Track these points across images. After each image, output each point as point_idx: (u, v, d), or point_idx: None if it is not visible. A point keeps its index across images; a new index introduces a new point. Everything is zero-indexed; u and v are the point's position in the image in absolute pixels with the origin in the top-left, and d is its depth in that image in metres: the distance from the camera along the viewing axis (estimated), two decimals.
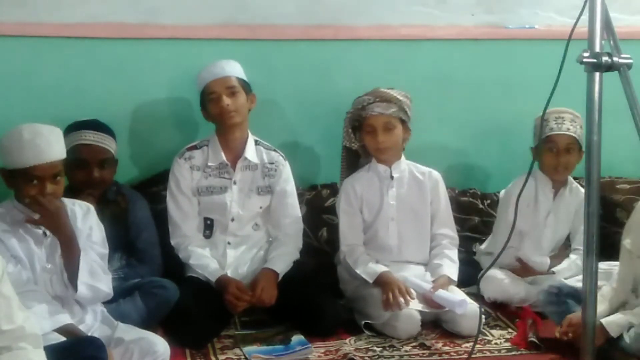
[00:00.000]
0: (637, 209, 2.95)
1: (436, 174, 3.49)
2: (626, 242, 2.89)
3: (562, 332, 2.89)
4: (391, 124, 3.32)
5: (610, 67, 2.11)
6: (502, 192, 3.66)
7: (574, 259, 3.46)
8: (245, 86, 3.33)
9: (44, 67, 3.49)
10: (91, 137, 3.17)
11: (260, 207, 3.39)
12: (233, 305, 3.14)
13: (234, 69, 3.32)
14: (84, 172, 3.13)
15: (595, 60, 2.11)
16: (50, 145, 2.63)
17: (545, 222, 3.53)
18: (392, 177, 3.42)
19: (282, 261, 3.29)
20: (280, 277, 3.24)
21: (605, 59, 2.10)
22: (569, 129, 3.38)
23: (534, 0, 3.94)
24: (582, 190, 3.53)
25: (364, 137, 3.37)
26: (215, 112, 3.28)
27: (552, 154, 3.44)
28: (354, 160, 3.52)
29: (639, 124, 2.10)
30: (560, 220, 3.56)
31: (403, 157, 3.45)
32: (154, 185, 3.54)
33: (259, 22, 3.66)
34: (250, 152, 3.35)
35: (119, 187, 3.32)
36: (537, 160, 3.47)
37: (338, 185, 3.61)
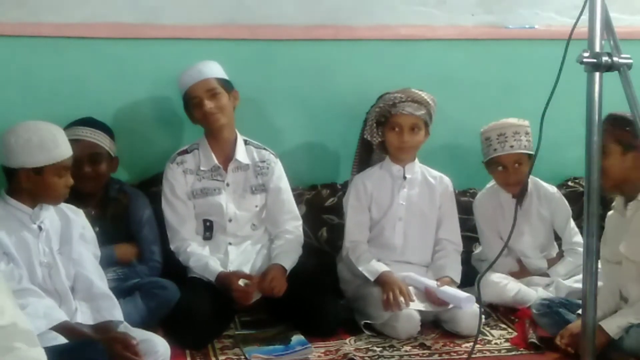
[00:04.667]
0: (607, 219, 2.95)
1: (447, 180, 3.50)
2: (603, 252, 2.89)
3: (565, 343, 2.87)
4: (418, 126, 3.34)
5: (610, 67, 2.11)
6: (475, 200, 3.69)
7: (567, 259, 3.49)
8: (226, 85, 3.32)
9: (44, 67, 3.49)
10: (80, 133, 3.18)
11: (256, 206, 3.39)
12: (243, 296, 3.13)
13: (212, 70, 3.31)
14: (76, 168, 3.08)
15: (595, 60, 2.11)
16: (68, 141, 2.77)
17: (522, 230, 3.53)
18: (404, 178, 3.42)
19: (288, 257, 3.29)
20: (287, 273, 3.24)
21: (605, 59, 2.10)
22: (512, 146, 3.40)
23: (534, 0, 3.94)
24: (552, 189, 3.61)
25: (388, 134, 3.37)
26: (199, 117, 3.29)
27: (501, 173, 3.48)
28: (367, 157, 3.52)
29: (639, 123, 2.10)
30: (535, 225, 3.58)
31: (417, 160, 3.46)
32: (154, 185, 3.53)
33: (259, 22, 3.66)
34: (241, 153, 3.35)
35: (121, 185, 3.33)
36: (490, 174, 3.54)
37: (350, 178, 3.57)
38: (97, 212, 3.17)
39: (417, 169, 3.47)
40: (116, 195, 3.28)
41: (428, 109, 3.35)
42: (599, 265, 2.27)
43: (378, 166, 3.48)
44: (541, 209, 3.58)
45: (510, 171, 3.44)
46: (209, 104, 3.25)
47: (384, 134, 3.40)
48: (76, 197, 3.03)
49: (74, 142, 3.10)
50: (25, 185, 2.68)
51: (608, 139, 2.73)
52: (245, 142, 3.40)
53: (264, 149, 3.43)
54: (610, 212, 2.98)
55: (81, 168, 3.13)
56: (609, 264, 2.92)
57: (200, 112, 3.27)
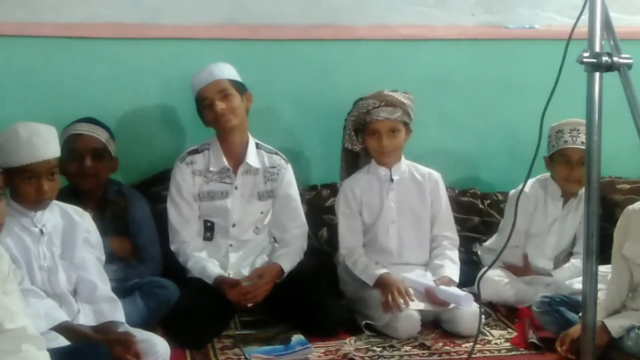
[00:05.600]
0: (629, 214, 2.92)
1: (436, 175, 3.47)
2: (624, 249, 2.88)
3: (565, 350, 2.85)
4: (396, 128, 3.32)
5: (610, 67, 2.11)
6: (512, 192, 3.64)
7: (574, 262, 3.47)
8: (239, 87, 3.29)
9: (44, 67, 3.49)
10: (82, 128, 3.19)
11: (262, 212, 3.38)
12: (243, 301, 3.14)
13: (224, 72, 3.28)
14: (77, 163, 3.13)
15: (595, 60, 2.11)
16: (47, 144, 2.65)
17: (550, 229, 3.52)
18: (392, 180, 3.41)
19: (289, 260, 3.29)
20: (284, 276, 3.25)
21: (605, 59, 2.10)
22: (583, 142, 3.36)
23: (534, 0, 3.94)
24: None
25: (368, 140, 3.35)
26: (211, 118, 3.26)
27: (565, 167, 3.42)
28: (353, 161, 3.51)
29: (639, 124, 2.10)
30: (565, 229, 3.54)
31: (403, 159, 3.45)
32: (154, 185, 3.54)
33: (259, 22, 3.66)
34: (252, 156, 3.33)
35: (119, 187, 3.32)
36: (550, 171, 3.50)
37: (338, 185, 3.59)
38: (95, 213, 3.15)
39: (404, 168, 3.44)
40: (115, 197, 3.26)
41: (404, 108, 3.31)
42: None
43: (365, 170, 3.46)
44: (577, 216, 3.53)
45: (575, 167, 3.38)
46: (220, 105, 3.21)
47: (363, 141, 3.38)
48: (75, 197, 3.05)
49: (76, 136, 3.15)
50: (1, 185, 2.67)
51: None
52: (257, 146, 3.37)
53: (276, 153, 3.41)
54: (634, 206, 2.93)
55: (82, 163, 3.13)
56: (628, 261, 2.89)
57: (211, 113, 3.24)
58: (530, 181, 3.53)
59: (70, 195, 3.09)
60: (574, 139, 3.37)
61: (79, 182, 3.17)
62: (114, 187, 3.29)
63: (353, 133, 3.40)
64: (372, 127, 3.31)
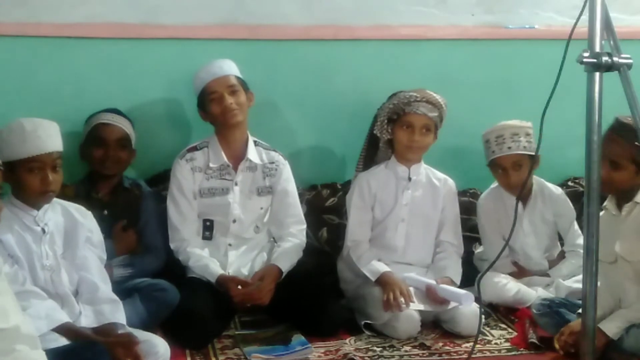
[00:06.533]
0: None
1: (451, 182, 3.50)
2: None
3: (564, 340, 2.86)
4: (429, 127, 3.34)
5: (610, 67, 2.11)
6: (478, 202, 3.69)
7: (569, 259, 3.49)
8: (244, 85, 3.33)
9: (44, 67, 3.49)
10: (110, 118, 3.36)
11: (261, 208, 3.39)
12: (244, 301, 3.14)
13: (232, 68, 3.34)
14: (102, 151, 3.30)
15: (595, 60, 2.11)
16: (51, 137, 2.68)
17: (524, 231, 3.53)
18: (409, 179, 3.41)
19: (287, 259, 3.29)
20: (283, 276, 3.24)
21: (605, 59, 2.10)
22: (510, 148, 3.39)
23: (534, 0, 3.94)
24: (557, 190, 3.60)
25: (398, 131, 3.36)
26: (217, 112, 3.27)
27: (503, 175, 3.47)
28: (374, 152, 3.51)
29: (639, 123, 2.10)
30: (539, 227, 3.57)
31: (422, 161, 3.46)
32: (154, 185, 3.55)
33: (259, 22, 3.66)
34: (252, 153, 3.34)
35: (135, 180, 3.45)
36: (494, 177, 3.55)
37: (354, 174, 3.56)
38: (110, 197, 3.32)
39: (422, 170, 3.46)
40: (131, 185, 3.39)
41: (440, 112, 3.35)
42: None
43: (383, 165, 3.46)
44: (545, 211, 3.56)
45: (510, 173, 3.43)
46: (229, 99, 3.24)
47: (393, 132, 3.39)
48: (94, 182, 3.29)
49: (103, 125, 3.33)
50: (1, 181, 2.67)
51: (624, 154, 2.70)
52: (255, 143, 3.39)
53: (274, 150, 3.43)
54: (600, 213, 2.96)
55: (108, 150, 3.29)
56: (603, 263, 2.90)
57: (219, 107, 3.26)
58: (484, 193, 3.63)
59: (90, 180, 3.32)
60: (500, 146, 3.42)
61: (102, 168, 3.32)
62: (130, 180, 3.42)
63: (386, 121, 3.39)
64: (408, 119, 3.32)
